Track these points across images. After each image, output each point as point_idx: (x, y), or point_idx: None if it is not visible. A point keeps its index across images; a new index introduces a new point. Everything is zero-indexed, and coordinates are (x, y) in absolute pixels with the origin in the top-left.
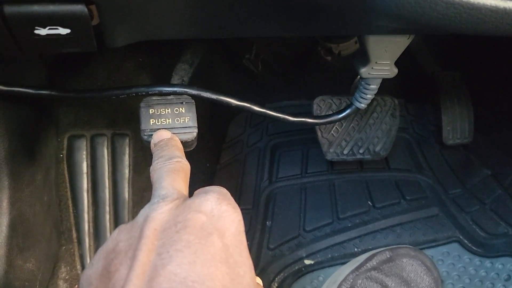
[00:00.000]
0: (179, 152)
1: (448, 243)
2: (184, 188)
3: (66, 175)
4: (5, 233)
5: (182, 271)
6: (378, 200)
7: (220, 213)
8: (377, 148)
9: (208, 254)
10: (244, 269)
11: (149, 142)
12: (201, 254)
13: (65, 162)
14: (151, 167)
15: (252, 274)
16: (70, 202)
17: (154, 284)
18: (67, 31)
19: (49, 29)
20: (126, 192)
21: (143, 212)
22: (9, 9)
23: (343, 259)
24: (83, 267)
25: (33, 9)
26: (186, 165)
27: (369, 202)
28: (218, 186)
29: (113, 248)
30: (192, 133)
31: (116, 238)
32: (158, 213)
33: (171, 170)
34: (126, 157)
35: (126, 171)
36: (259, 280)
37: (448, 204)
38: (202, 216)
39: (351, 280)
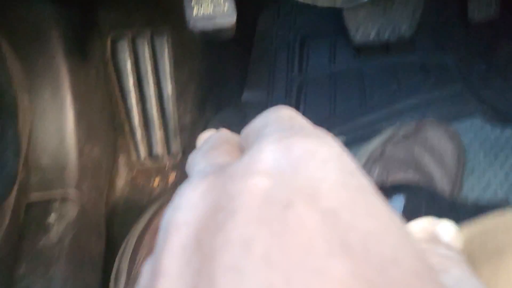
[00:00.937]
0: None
1: (471, 117)
2: (228, 158)
3: (113, 75)
4: (72, 125)
5: None
6: (404, 81)
7: (294, 161)
8: (402, 30)
9: (297, 248)
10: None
11: (195, 29)
12: (280, 256)
13: (110, 62)
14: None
15: (403, 238)
16: (119, 99)
17: None
18: None
19: None
20: (169, 86)
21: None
22: None
23: (372, 136)
24: (137, 155)
25: None
26: (230, 136)
27: (396, 85)
28: (277, 108)
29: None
30: (232, 19)
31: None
32: (183, 212)
33: (210, 148)
34: (166, 54)
35: (167, 67)
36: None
37: (472, 81)
38: (262, 180)
39: (380, 149)
